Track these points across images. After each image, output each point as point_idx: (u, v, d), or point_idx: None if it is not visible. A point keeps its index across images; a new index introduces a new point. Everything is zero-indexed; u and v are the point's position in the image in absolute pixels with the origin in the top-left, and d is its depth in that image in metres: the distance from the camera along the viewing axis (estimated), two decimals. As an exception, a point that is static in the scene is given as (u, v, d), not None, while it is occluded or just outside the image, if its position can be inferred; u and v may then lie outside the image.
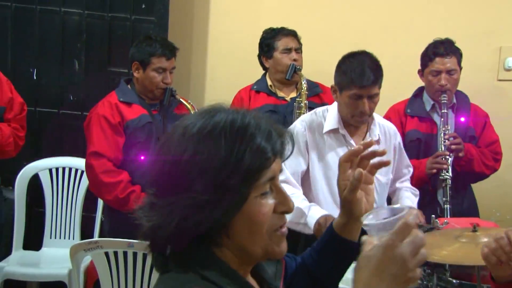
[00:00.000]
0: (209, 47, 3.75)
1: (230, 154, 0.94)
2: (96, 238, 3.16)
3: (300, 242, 2.53)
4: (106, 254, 2.27)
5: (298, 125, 2.49)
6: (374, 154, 1.27)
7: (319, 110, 2.54)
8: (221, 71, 3.74)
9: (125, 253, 2.27)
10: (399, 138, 2.61)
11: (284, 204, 1.01)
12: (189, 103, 2.93)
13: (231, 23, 3.72)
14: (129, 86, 2.95)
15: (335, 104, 2.48)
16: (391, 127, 2.60)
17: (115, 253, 2.28)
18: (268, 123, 1.00)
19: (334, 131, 2.45)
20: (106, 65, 3.44)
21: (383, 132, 2.53)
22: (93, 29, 3.43)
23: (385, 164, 1.31)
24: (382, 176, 2.50)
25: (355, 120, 2.40)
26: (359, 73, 2.28)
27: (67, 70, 3.45)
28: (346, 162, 1.27)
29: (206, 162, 0.93)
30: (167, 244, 0.98)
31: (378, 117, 2.55)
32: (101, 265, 2.25)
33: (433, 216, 2.37)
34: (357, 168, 1.24)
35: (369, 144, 1.26)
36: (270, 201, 0.98)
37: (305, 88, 2.95)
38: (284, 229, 1.02)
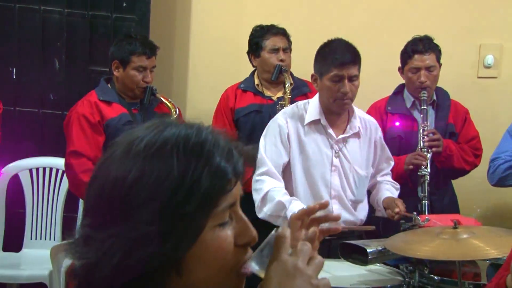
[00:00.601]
0: (191, 45, 3.74)
1: (184, 176, 0.78)
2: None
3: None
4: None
5: (280, 118, 2.53)
6: (327, 218, 1.18)
7: (300, 103, 2.57)
8: (203, 69, 3.72)
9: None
10: (380, 133, 2.64)
11: (246, 235, 0.85)
12: (170, 102, 2.92)
13: (213, 21, 3.71)
14: (109, 85, 2.93)
15: (316, 96, 2.51)
16: (372, 121, 2.63)
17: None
18: (227, 140, 0.85)
19: (315, 122, 2.48)
20: (87, 64, 3.40)
21: (364, 125, 2.56)
22: (74, 27, 3.39)
23: (335, 230, 1.23)
24: (361, 169, 2.52)
25: (337, 105, 2.42)
26: (338, 54, 2.35)
27: (47, 69, 3.41)
28: (298, 220, 1.13)
29: (155, 185, 0.77)
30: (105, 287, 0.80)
31: (359, 111, 2.58)
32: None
33: (415, 213, 2.39)
34: (311, 227, 1.12)
35: (325, 205, 1.18)
36: (229, 232, 0.83)
37: (289, 91, 2.94)
38: (246, 270, 0.85)
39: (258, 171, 2.47)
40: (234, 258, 0.84)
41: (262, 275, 0.83)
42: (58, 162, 3.25)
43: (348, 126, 2.51)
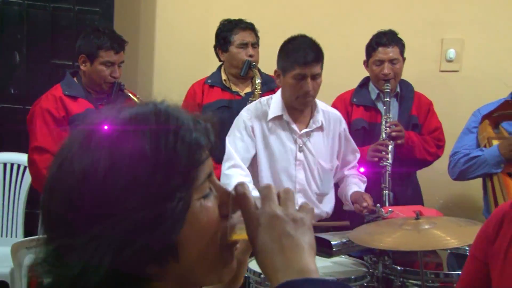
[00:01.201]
0: (157, 39, 3.70)
1: (158, 154, 0.73)
2: (40, 235, 3.07)
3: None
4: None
5: (244, 114, 2.54)
6: None
7: (263, 99, 2.59)
8: (170, 63, 3.69)
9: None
10: (344, 125, 2.67)
11: (228, 204, 0.82)
12: (137, 98, 2.88)
13: (179, 14, 3.68)
14: (75, 79, 2.88)
15: (279, 92, 2.52)
16: (335, 113, 2.65)
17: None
18: (186, 111, 0.80)
19: (278, 118, 2.50)
20: (49, 57, 3.34)
21: (327, 118, 2.58)
22: (35, 19, 3.32)
23: None
24: (325, 163, 2.55)
25: (299, 102, 2.44)
26: (301, 52, 2.36)
27: (7, 62, 3.33)
28: None
29: (130, 171, 0.71)
30: None
31: (321, 104, 2.60)
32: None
33: (378, 205, 2.43)
34: None
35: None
36: (214, 203, 0.80)
37: (259, 88, 2.93)
38: (236, 240, 0.83)
39: (225, 165, 2.47)
40: (222, 229, 0.80)
41: (244, 235, 0.80)
42: (20, 158, 3.18)
43: (311, 121, 2.53)
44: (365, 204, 2.46)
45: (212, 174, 0.81)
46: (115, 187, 0.71)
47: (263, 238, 0.77)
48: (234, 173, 2.44)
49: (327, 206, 2.60)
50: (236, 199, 0.80)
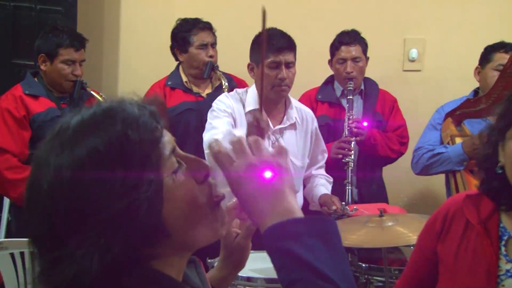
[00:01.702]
0: (121, 37, 3.66)
1: (112, 144, 0.75)
2: (2, 238, 3.01)
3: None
4: (12, 255, 2.17)
5: (226, 98, 2.53)
6: None
7: (239, 91, 2.59)
8: (135, 62, 3.65)
9: (21, 254, 2.20)
10: (316, 124, 2.70)
11: (200, 169, 0.85)
12: (101, 96, 2.85)
13: (143, 12, 3.65)
14: (36, 79, 2.83)
15: (253, 86, 2.52)
16: (308, 112, 2.68)
17: (22, 254, 2.19)
18: (129, 97, 0.83)
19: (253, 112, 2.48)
20: (10, 57, 3.26)
21: (300, 116, 2.60)
22: (-5, 18, 3.24)
23: None
24: (297, 160, 2.56)
25: (275, 91, 2.45)
26: (274, 40, 2.39)
27: (-35, 62, 3.24)
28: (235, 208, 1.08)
29: (91, 169, 0.74)
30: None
31: (295, 101, 2.62)
32: (5, 268, 2.15)
33: (343, 203, 2.46)
34: None
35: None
36: (186, 175, 0.82)
37: (227, 89, 2.88)
38: (219, 195, 0.86)
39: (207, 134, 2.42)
40: (203, 195, 0.84)
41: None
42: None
43: (285, 117, 2.54)
44: (334, 207, 2.48)
45: (175, 149, 0.83)
46: (83, 190, 0.74)
47: (245, 189, 0.81)
48: (218, 125, 2.39)
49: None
50: (213, 157, 0.83)
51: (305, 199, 2.72)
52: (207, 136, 2.43)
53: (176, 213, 0.80)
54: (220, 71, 2.96)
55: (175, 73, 3.08)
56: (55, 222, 0.75)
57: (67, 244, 0.73)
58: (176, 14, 3.24)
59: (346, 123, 2.86)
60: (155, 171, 0.77)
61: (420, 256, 1.46)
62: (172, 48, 3.08)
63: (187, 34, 2.98)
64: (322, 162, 2.75)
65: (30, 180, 0.80)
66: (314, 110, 3.00)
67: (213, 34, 3.04)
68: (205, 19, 3.08)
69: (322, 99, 3.05)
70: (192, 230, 0.82)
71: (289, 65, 2.42)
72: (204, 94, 3.03)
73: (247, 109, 2.49)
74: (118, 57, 3.68)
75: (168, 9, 3.62)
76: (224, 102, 2.50)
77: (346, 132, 2.85)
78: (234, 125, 2.47)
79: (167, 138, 0.82)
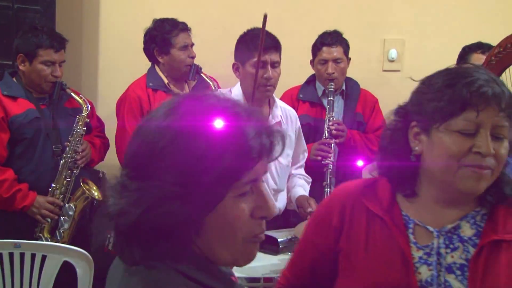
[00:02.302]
0: (101, 38, 3.63)
1: (211, 148, 0.84)
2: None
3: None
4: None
5: None
6: None
7: (222, 91, 2.61)
8: (114, 63, 3.63)
9: (11, 254, 2.17)
10: (298, 123, 2.71)
11: (263, 209, 0.90)
12: (80, 98, 2.82)
13: (123, 12, 3.63)
14: (14, 79, 2.80)
15: (237, 85, 2.53)
16: (292, 111, 2.70)
17: (0, 255, 2.16)
18: (259, 118, 0.89)
19: None
20: (-13, 57, 3.21)
21: (285, 115, 2.62)
22: (-29, 17, 3.19)
23: None
24: (283, 159, 2.57)
25: (260, 91, 2.46)
26: (259, 40, 2.35)
27: None
28: None
29: (183, 151, 0.84)
30: (132, 232, 0.87)
31: (279, 101, 2.63)
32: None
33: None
34: None
35: None
36: (248, 204, 0.88)
37: (215, 88, 2.87)
38: (261, 236, 0.92)
39: None
40: (249, 229, 0.89)
41: None
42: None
43: (270, 116, 2.55)
44: (309, 209, 2.49)
45: (257, 180, 0.90)
46: (167, 159, 0.84)
47: None
48: None
49: (281, 202, 2.62)
50: None
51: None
52: None
53: (215, 226, 0.87)
54: (204, 73, 2.95)
55: (154, 74, 3.00)
56: (137, 160, 0.88)
57: (133, 183, 0.86)
58: (156, 13, 3.22)
59: (326, 125, 2.87)
60: (225, 186, 0.85)
61: (310, 248, 1.42)
62: (149, 49, 3.00)
63: (168, 35, 2.93)
64: (302, 162, 2.77)
65: (153, 113, 0.91)
66: (295, 109, 3.02)
67: (189, 35, 3.02)
68: (183, 19, 3.05)
69: (304, 99, 3.07)
70: (218, 248, 0.89)
71: (275, 64, 2.44)
72: None
73: None
74: (97, 57, 3.65)
75: (148, 8, 3.60)
76: None
77: (326, 134, 2.86)
78: None
79: (259, 168, 0.88)
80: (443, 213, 1.32)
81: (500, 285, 1.27)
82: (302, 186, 2.69)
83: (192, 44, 3.01)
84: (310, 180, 2.77)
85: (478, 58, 2.78)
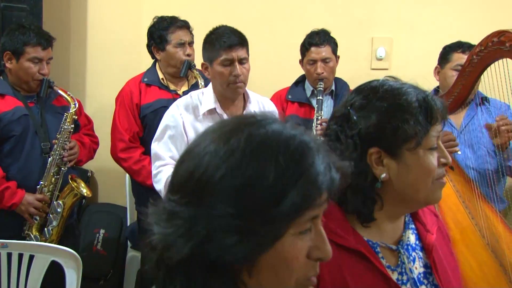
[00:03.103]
0: (89, 36, 3.62)
1: (277, 182, 0.76)
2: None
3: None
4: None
5: (174, 109, 2.51)
6: None
7: (194, 93, 2.58)
8: (102, 61, 3.62)
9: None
10: (276, 113, 2.69)
11: (320, 249, 0.82)
12: (68, 95, 2.82)
13: (111, 9, 3.62)
14: (1, 77, 2.79)
15: (209, 86, 2.53)
16: (269, 102, 2.70)
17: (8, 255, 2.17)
18: (326, 152, 0.82)
19: (210, 112, 2.49)
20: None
21: (261, 108, 2.61)
22: (-43, 16, 3.16)
23: None
24: None
25: (231, 89, 2.45)
26: (225, 37, 2.40)
27: None
28: None
29: (246, 183, 0.76)
30: (177, 267, 0.79)
31: (253, 94, 2.62)
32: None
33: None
34: None
35: None
36: (307, 243, 0.81)
37: (202, 87, 2.89)
38: (314, 279, 0.84)
39: (156, 165, 2.45)
40: (304, 271, 0.82)
41: None
42: None
43: (245, 112, 2.55)
44: None
45: (318, 217, 0.83)
46: (228, 189, 0.76)
47: None
48: (165, 168, 2.41)
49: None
50: None
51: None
52: (155, 168, 2.45)
53: (269, 266, 0.79)
54: (197, 69, 2.96)
55: (152, 70, 3.07)
56: (191, 186, 0.79)
57: (187, 210, 0.78)
58: (144, 11, 3.22)
59: (314, 124, 2.89)
60: (287, 222, 0.78)
61: None
62: (149, 45, 3.06)
63: (164, 32, 2.97)
64: None
65: (205, 135, 0.83)
66: (284, 110, 3.03)
67: (190, 32, 3.05)
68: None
69: (292, 99, 3.08)
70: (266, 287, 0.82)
71: (242, 61, 2.43)
72: (180, 92, 3.02)
73: (203, 110, 2.48)
74: (85, 55, 3.64)
75: (136, 6, 3.60)
76: (174, 116, 2.48)
77: (314, 132, 2.87)
78: (184, 133, 2.46)
79: (323, 206, 0.82)
80: (394, 228, 1.29)
81: (450, 278, 1.29)
82: None
83: (191, 42, 3.01)
84: None
85: (459, 57, 2.80)
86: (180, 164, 0.83)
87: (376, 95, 1.21)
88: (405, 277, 1.27)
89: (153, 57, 3.09)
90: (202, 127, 2.49)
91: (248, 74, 2.48)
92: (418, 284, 1.26)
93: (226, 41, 2.39)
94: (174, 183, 0.83)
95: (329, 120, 1.28)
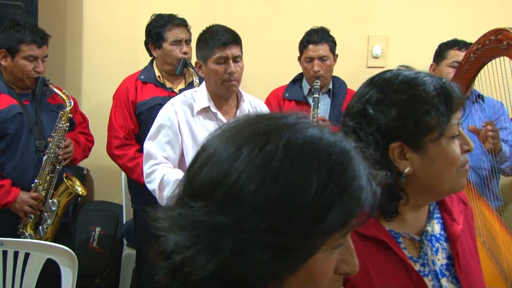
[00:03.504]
0: (84, 33, 3.61)
1: (320, 196, 0.69)
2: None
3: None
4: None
5: (168, 108, 2.50)
6: None
7: (187, 92, 2.57)
8: (98, 59, 3.61)
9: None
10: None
11: (348, 264, 0.77)
12: (64, 93, 2.81)
13: (107, 7, 3.61)
14: (-5, 75, 2.78)
15: (203, 84, 2.52)
16: (261, 103, 2.70)
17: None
18: (364, 163, 0.75)
19: (204, 110, 2.49)
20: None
21: (254, 108, 2.61)
22: (-49, 13, 3.14)
23: None
24: None
25: (225, 87, 2.45)
26: (219, 35, 2.40)
27: None
28: None
29: (283, 194, 0.69)
30: (195, 281, 0.72)
31: (246, 94, 2.62)
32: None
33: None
34: None
35: None
36: (336, 258, 0.76)
37: (197, 85, 2.88)
38: None
39: (148, 164, 2.44)
40: (328, 286, 0.77)
41: None
42: None
43: (238, 111, 2.55)
44: None
45: (350, 231, 0.78)
46: (262, 201, 0.69)
47: None
48: (158, 167, 2.41)
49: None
50: None
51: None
52: (147, 167, 2.43)
53: (297, 282, 0.73)
54: (192, 67, 2.96)
55: (149, 68, 3.07)
56: (217, 194, 0.71)
57: (212, 219, 0.70)
58: (141, 8, 3.21)
59: None
60: (323, 239, 0.72)
61: None
62: (146, 43, 3.06)
63: (161, 29, 2.97)
64: None
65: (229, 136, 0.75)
66: (281, 108, 3.03)
67: (188, 31, 3.04)
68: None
69: (289, 97, 3.08)
70: None
71: (236, 59, 2.43)
72: (177, 90, 3.01)
73: (197, 109, 2.47)
74: (81, 53, 3.63)
75: (133, 3, 3.58)
76: (169, 115, 2.47)
77: None
78: (179, 132, 2.45)
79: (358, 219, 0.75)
80: (417, 218, 1.27)
81: (472, 271, 1.26)
82: None
83: (188, 40, 3.01)
84: None
85: (455, 54, 2.81)
86: (201, 168, 0.75)
87: (392, 87, 1.16)
88: (427, 269, 1.24)
89: (150, 54, 3.08)
90: (196, 126, 2.48)
91: (242, 72, 2.48)
92: (439, 276, 1.24)
93: (220, 39, 2.39)
94: (196, 189, 0.74)
95: (344, 117, 1.25)
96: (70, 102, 2.78)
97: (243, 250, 0.69)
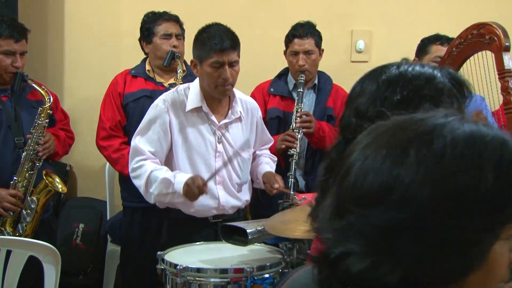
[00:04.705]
0: (66, 28, 3.57)
1: (496, 183, 0.68)
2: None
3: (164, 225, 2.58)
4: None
5: (160, 104, 2.48)
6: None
7: (180, 87, 2.55)
8: (80, 55, 3.58)
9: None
10: (260, 114, 2.71)
11: None
12: (43, 89, 2.76)
13: (88, 3, 3.56)
14: (-28, 70, 2.73)
15: (196, 81, 2.50)
16: (252, 102, 2.69)
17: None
18: None
19: (196, 110, 2.47)
20: None
21: (245, 108, 2.60)
22: None
23: None
24: (244, 153, 2.57)
25: (218, 91, 2.43)
26: (217, 39, 2.35)
27: None
28: None
29: (462, 187, 0.68)
30: None
31: (239, 93, 2.62)
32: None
33: (292, 192, 2.48)
34: None
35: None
36: (508, 247, 0.73)
37: (181, 78, 2.86)
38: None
39: (135, 159, 2.42)
40: (503, 279, 0.74)
41: None
42: None
43: (230, 111, 2.53)
44: (276, 185, 2.50)
45: None
46: (444, 195, 0.68)
47: None
48: (145, 163, 2.40)
49: (246, 194, 2.62)
50: None
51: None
52: (134, 162, 2.42)
53: (478, 280, 0.71)
54: (185, 62, 2.94)
55: (141, 64, 3.07)
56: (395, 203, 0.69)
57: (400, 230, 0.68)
58: (122, 7, 3.18)
59: (294, 116, 2.88)
60: (501, 230, 0.70)
61: None
62: (140, 40, 3.06)
63: (152, 25, 2.97)
64: (267, 146, 2.78)
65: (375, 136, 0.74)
66: (266, 103, 3.03)
67: (180, 26, 3.02)
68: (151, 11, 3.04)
69: (274, 92, 3.07)
70: None
71: (233, 64, 2.40)
72: (166, 84, 2.99)
73: (189, 108, 2.46)
74: (63, 49, 3.59)
75: (114, 1, 3.55)
76: (160, 111, 2.45)
77: (293, 125, 2.87)
78: (169, 130, 2.44)
79: None
80: None
81: None
82: (268, 164, 2.70)
83: (179, 35, 2.99)
84: (275, 158, 2.79)
85: (438, 49, 2.82)
86: (364, 177, 0.71)
87: (412, 83, 1.08)
88: None
89: (145, 53, 3.07)
90: (188, 124, 2.47)
91: (237, 75, 2.45)
92: None
93: (218, 44, 2.34)
94: (364, 197, 0.71)
95: (348, 117, 1.13)
96: (49, 98, 2.74)
97: (428, 251, 0.68)
